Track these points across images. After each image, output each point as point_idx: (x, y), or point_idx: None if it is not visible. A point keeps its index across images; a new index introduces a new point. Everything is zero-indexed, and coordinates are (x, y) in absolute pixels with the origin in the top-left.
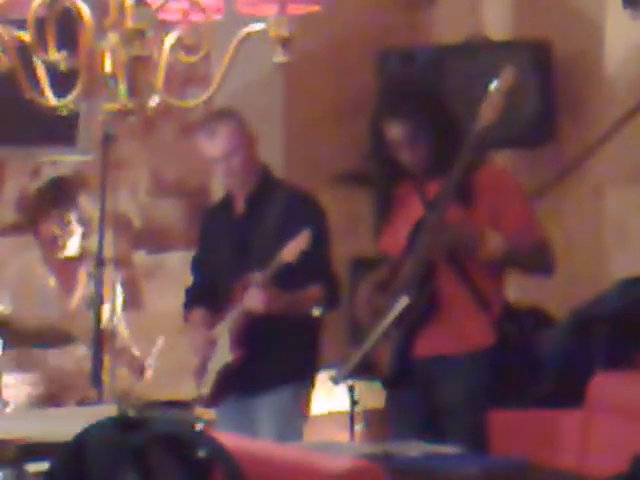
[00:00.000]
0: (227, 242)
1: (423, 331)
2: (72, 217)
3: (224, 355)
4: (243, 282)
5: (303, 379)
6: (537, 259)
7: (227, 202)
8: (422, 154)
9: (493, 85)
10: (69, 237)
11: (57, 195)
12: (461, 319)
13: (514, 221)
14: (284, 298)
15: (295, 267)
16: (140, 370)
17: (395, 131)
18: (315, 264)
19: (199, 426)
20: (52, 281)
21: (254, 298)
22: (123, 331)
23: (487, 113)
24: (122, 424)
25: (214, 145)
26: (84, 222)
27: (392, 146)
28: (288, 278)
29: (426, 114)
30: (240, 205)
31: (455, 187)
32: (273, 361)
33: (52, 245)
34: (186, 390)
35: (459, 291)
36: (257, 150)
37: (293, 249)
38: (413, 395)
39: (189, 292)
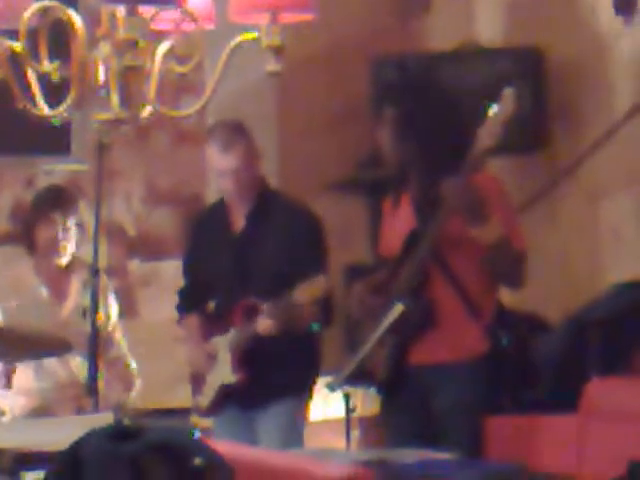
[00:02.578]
0: (225, 258)
1: (418, 339)
2: (72, 222)
3: (226, 374)
4: (245, 303)
5: (303, 391)
6: (514, 269)
7: (222, 213)
8: (410, 147)
9: (492, 110)
10: (69, 242)
11: (58, 199)
12: (454, 327)
13: None
14: (286, 318)
15: (294, 280)
16: (131, 379)
17: (387, 112)
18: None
19: (195, 434)
20: (44, 291)
21: (266, 328)
22: (119, 339)
23: (485, 138)
24: (118, 433)
25: (227, 159)
26: (82, 229)
27: (384, 131)
28: (287, 290)
29: (420, 104)
30: (239, 221)
31: (452, 199)
32: (273, 379)
33: (50, 250)
34: (182, 398)
35: (452, 299)
36: (260, 165)
37: (306, 292)
38: (409, 402)
39: (182, 294)
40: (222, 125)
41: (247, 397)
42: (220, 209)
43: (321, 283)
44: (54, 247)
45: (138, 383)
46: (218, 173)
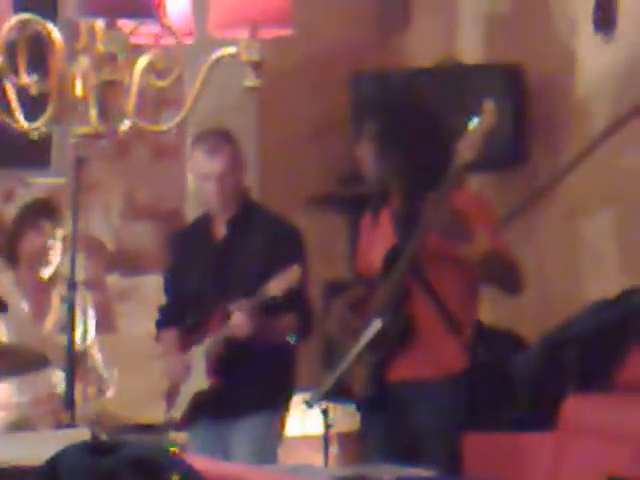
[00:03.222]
0: (206, 267)
1: (397, 355)
2: (60, 233)
3: (200, 381)
4: (222, 310)
5: (278, 405)
6: (510, 276)
7: (204, 225)
8: (390, 162)
9: (473, 123)
10: (56, 252)
11: (48, 208)
12: (434, 343)
13: None
14: (263, 324)
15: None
16: (103, 393)
17: (367, 128)
18: (292, 294)
19: (172, 450)
20: (25, 305)
21: (239, 324)
22: (95, 354)
23: (465, 152)
24: (95, 448)
25: (213, 162)
26: (64, 242)
27: (363, 146)
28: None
29: (400, 119)
30: (220, 229)
31: (432, 220)
32: (248, 388)
33: (36, 260)
34: (159, 413)
35: (431, 315)
36: (244, 174)
37: (280, 283)
38: (387, 418)
39: (162, 311)
40: (209, 132)
41: (220, 409)
42: (203, 222)
43: (294, 273)
44: (41, 256)
45: (110, 394)
46: (202, 177)
